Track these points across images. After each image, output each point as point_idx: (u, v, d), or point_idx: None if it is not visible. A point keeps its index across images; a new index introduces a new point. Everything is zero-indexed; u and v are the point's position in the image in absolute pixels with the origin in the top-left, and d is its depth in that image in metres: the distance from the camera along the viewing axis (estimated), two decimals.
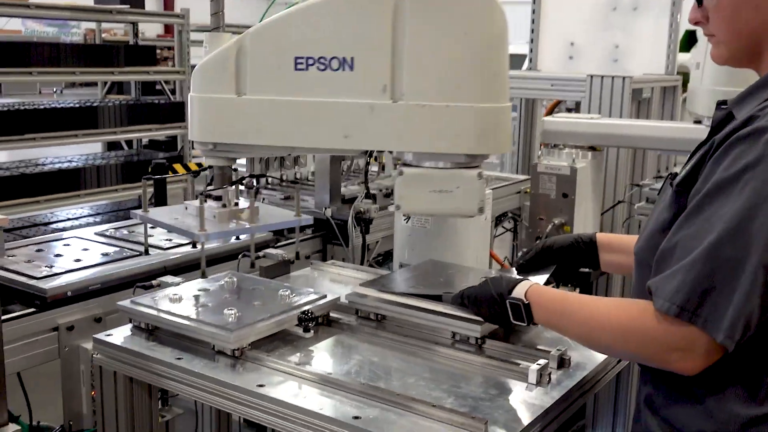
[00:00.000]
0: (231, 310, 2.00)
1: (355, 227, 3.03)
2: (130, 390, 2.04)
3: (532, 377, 1.82)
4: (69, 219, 6.44)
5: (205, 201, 2.14)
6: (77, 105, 6.41)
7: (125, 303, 2.10)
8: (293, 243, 2.92)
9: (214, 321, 1.96)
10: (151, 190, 3.39)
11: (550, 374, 1.84)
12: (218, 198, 2.15)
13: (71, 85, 16.82)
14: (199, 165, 4.56)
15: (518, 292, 1.75)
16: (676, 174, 1.55)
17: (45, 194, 5.92)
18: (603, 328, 1.56)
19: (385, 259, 3.33)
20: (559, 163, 3.38)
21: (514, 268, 2.24)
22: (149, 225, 2.51)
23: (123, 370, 2.00)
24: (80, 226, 6.16)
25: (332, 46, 1.89)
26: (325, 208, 3.08)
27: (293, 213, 2.29)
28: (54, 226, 6.20)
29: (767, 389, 1.43)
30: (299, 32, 1.92)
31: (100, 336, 2.05)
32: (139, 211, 2.23)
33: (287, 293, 2.15)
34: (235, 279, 2.25)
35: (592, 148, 3.47)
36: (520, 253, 2.26)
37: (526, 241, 3.59)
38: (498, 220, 4.14)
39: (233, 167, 2.20)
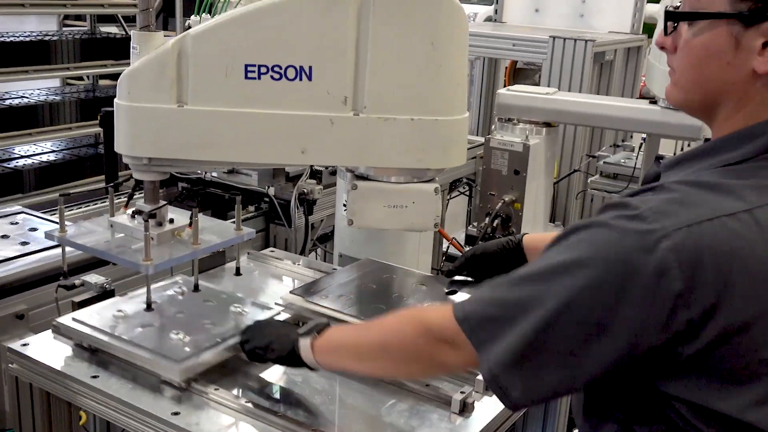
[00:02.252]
0: (178, 333, 1.91)
1: (297, 208, 2.95)
2: (47, 401, 1.97)
3: (455, 406, 1.78)
4: (23, 156, 6.32)
5: (133, 218, 1.98)
6: (29, 39, 6.18)
7: (65, 320, 1.98)
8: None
9: (159, 348, 1.86)
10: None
11: (473, 402, 1.80)
12: (141, 213, 1.94)
13: None
14: None
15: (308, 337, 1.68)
16: None
17: None
18: (372, 340, 1.54)
19: (331, 235, 3.25)
20: (512, 139, 3.29)
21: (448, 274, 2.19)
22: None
23: (39, 383, 1.93)
24: (33, 165, 6.07)
25: (288, 54, 1.73)
26: (268, 187, 2.98)
27: (233, 225, 2.13)
28: (6, 165, 6.07)
29: None
30: (251, 36, 1.72)
31: (15, 346, 1.96)
32: (56, 233, 1.99)
33: (239, 310, 2.05)
34: (184, 289, 2.16)
35: (547, 124, 3.39)
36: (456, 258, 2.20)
37: (478, 214, 3.53)
38: (453, 185, 4.07)
39: None
